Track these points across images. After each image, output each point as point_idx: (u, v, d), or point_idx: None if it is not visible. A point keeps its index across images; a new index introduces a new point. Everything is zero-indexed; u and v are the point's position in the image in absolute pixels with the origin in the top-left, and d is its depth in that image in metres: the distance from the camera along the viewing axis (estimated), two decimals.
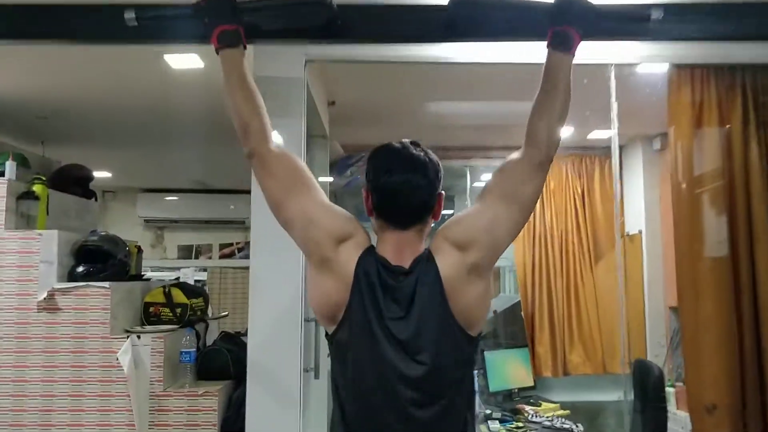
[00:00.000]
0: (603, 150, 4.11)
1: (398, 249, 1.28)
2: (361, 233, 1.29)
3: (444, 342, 1.22)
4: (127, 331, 2.56)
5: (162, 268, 6.83)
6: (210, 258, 7.20)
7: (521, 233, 4.07)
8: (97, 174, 5.94)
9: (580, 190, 4.22)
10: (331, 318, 1.25)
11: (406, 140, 1.33)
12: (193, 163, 5.44)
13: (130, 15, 1.45)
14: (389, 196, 1.28)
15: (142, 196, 6.86)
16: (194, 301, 3.01)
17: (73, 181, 3.48)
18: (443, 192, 1.34)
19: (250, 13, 1.44)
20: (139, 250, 3.32)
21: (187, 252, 7.25)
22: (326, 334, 1.31)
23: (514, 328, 4.23)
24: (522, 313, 4.19)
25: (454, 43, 1.80)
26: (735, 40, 1.74)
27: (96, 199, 3.62)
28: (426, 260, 1.26)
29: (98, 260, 2.63)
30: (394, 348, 1.20)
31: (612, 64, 2.47)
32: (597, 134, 3.76)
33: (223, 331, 3.07)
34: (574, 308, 4.13)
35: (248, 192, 2.06)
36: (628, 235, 4.13)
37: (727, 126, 2.44)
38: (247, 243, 7.44)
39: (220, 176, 6.27)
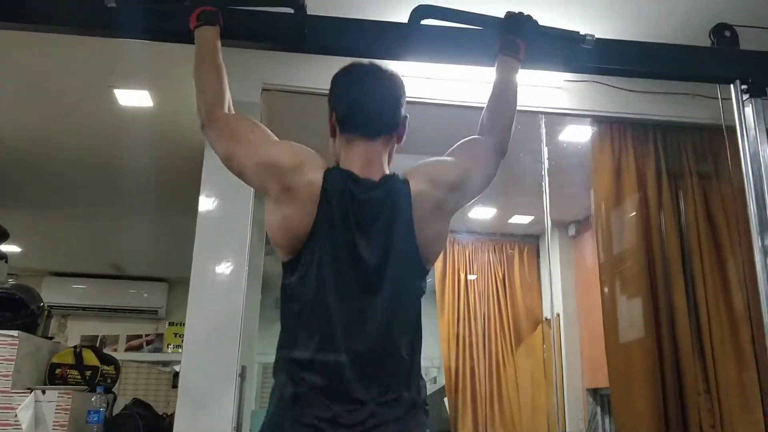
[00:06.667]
0: (522, 237, 4.36)
1: (367, 160, 1.27)
2: (319, 158, 1.27)
3: (405, 271, 1.22)
4: (29, 389, 2.36)
5: None
6: (116, 350, 6.74)
7: (446, 313, 4.24)
8: (6, 248, 5.60)
9: (501, 275, 4.40)
10: (294, 242, 1.22)
11: None
12: (114, 237, 5.20)
13: None
14: (360, 103, 1.29)
15: (49, 279, 6.46)
16: (106, 368, 2.84)
17: None
18: (407, 116, 1.35)
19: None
20: (49, 314, 3.13)
21: (91, 343, 6.77)
22: (283, 263, 1.25)
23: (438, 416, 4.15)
24: (446, 398, 4.15)
25: (415, 62, 1.96)
26: (654, 77, 2.09)
27: (7, 261, 3.42)
28: (398, 180, 1.26)
29: (9, 308, 2.46)
30: (356, 267, 1.18)
31: (542, 114, 2.81)
32: (517, 219, 3.99)
33: (134, 398, 2.87)
34: (496, 390, 4.15)
35: (164, 280, 2.03)
36: (546, 319, 4.29)
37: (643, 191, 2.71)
38: (158, 335, 7.03)
39: (139, 260, 6.03)
